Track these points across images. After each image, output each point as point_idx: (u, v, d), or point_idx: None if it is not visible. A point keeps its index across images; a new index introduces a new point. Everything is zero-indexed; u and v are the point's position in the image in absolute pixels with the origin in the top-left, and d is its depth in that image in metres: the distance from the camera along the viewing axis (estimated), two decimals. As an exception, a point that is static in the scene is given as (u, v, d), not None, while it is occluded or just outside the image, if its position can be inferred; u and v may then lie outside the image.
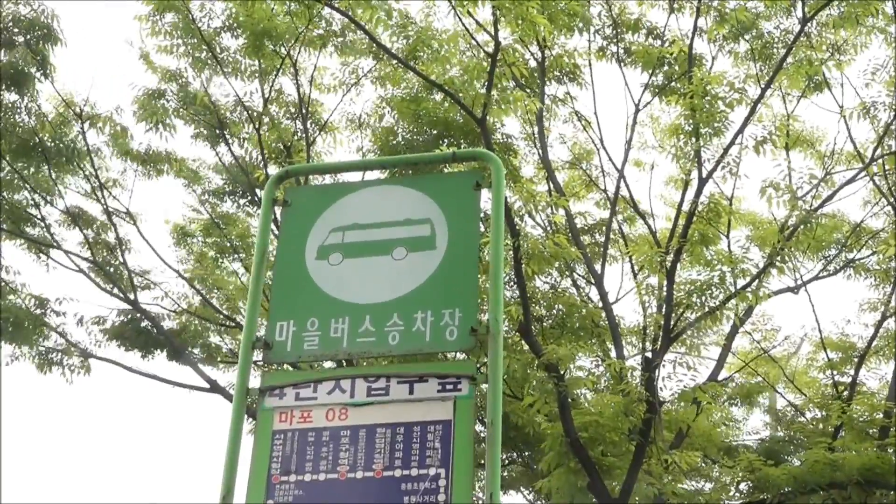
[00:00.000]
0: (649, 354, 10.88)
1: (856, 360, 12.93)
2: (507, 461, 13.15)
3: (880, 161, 11.87)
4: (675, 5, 11.59)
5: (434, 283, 3.71)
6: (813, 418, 13.30)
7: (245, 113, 12.19)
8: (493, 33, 9.83)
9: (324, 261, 3.87)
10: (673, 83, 11.88)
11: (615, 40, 12.00)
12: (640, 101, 12.05)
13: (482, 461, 3.40)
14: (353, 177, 9.79)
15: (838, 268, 13.04)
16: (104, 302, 13.02)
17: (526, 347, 10.79)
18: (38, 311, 12.46)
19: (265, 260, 4.06)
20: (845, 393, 12.46)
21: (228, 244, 13.64)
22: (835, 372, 13.38)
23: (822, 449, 9.91)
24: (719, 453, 13.02)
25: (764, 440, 14.13)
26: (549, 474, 9.74)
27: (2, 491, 16.71)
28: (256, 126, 11.96)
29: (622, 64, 12.05)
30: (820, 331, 13.57)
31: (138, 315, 12.61)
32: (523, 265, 9.86)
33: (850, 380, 12.80)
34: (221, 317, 13.37)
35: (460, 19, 10.17)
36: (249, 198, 13.53)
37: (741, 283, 10.35)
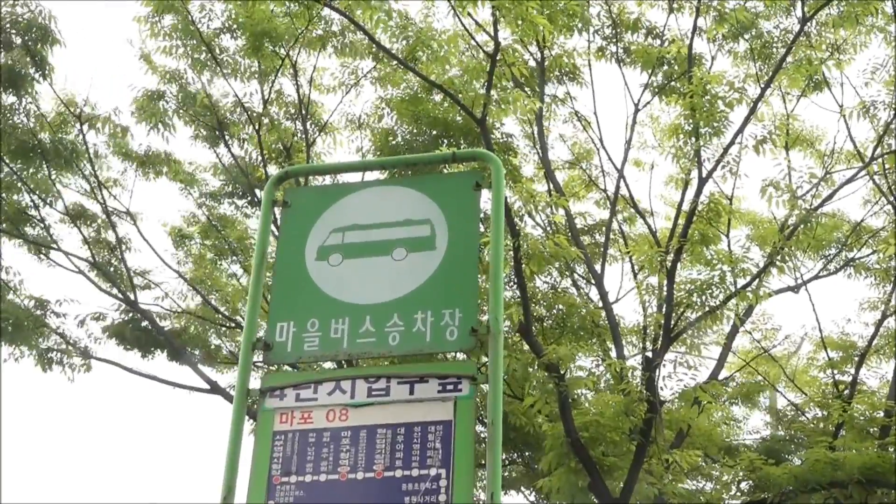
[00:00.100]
0: (650, 354, 10.88)
1: (856, 359, 12.94)
2: (507, 461, 13.14)
3: (880, 160, 11.87)
4: (675, 5, 11.59)
5: (434, 284, 3.71)
6: (813, 417, 13.29)
7: (245, 114, 12.19)
8: (492, 33, 9.83)
9: (324, 261, 3.87)
10: (672, 83, 11.88)
11: (614, 40, 12.00)
12: (639, 100, 12.06)
13: (483, 461, 3.40)
14: (353, 177, 9.80)
15: (838, 267, 13.05)
16: (104, 303, 13.03)
17: (526, 347, 10.79)
18: (38, 312, 12.46)
19: (265, 261, 4.05)
20: (846, 392, 12.46)
21: (227, 246, 13.64)
22: (835, 371, 13.39)
23: (823, 448, 9.90)
24: (720, 453, 13.01)
25: (765, 439, 14.13)
26: (549, 474, 9.74)
27: (1, 491, 16.71)
28: (256, 127, 11.96)
29: (622, 64, 12.05)
30: (820, 330, 13.61)
31: (138, 315, 12.61)
32: (523, 265, 9.86)
33: (850, 379, 12.80)
34: (221, 317, 13.37)
35: (460, 20, 10.16)
36: (249, 199, 13.53)
37: (741, 282, 10.35)
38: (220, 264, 14.13)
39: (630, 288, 12.13)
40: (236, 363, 7.75)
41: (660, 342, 10.74)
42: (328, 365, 7.24)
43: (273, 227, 6.75)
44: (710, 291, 10.23)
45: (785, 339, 15.00)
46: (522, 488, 13.63)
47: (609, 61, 12.13)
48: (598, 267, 11.96)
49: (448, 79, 10.46)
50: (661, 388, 10.17)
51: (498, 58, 9.77)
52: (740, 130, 10.73)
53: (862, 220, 12.90)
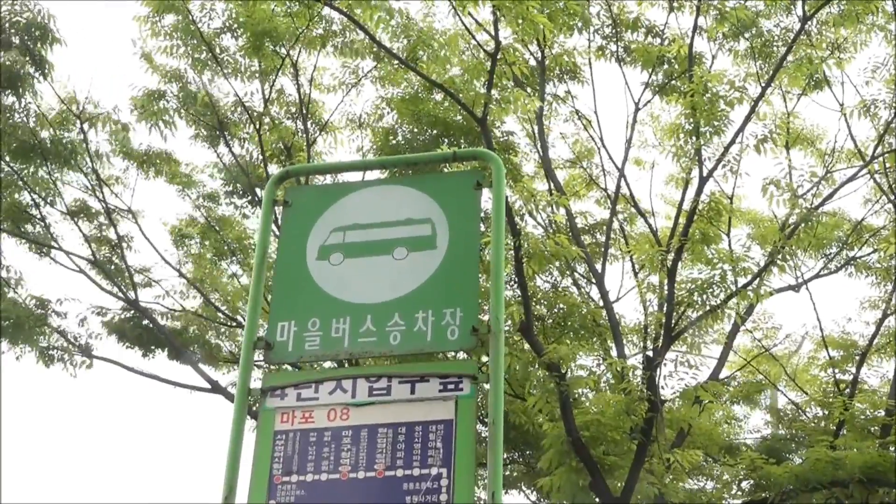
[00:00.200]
0: (650, 353, 10.88)
1: (857, 357, 12.94)
2: (507, 460, 13.14)
3: (881, 159, 11.87)
4: (675, 4, 11.58)
5: (435, 283, 3.71)
6: (814, 416, 13.30)
7: (245, 113, 12.19)
8: (493, 33, 9.83)
9: (325, 261, 3.87)
10: (673, 82, 11.88)
11: (615, 39, 12.00)
12: (640, 99, 12.05)
13: (484, 460, 3.40)
14: (354, 177, 9.80)
15: (839, 266, 13.05)
16: (104, 301, 13.02)
17: (527, 347, 10.78)
18: (39, 311, 12.46)
19: (266, 260, 4.05)
20: (847, 391, 12.47)
21: (226, 247, 13.64)
22: (836, 370, 13.40)
23: (824, 447, 9.91)
24: (721, 452, 13.03)
25: (765, 438, 14.15)
26: (550, 473, 9.74)
27: (1, 490, 16.72)
28: (257, 126, 11.96)
29: (622, 63, 12.04)
30: (821, 329, 13.62)
31: (138, 314, 12.62)
32: (524, 264, 9.86)
33: (851, 378, 12.81)
34: (222, 317, 13.37)
35: (460, 19, 10.16)
36: (249, 198, 13.53)
37: (742, 281, 10.35)
38: (220, 264, 14.13)
39: (631, 287, 12.14)
40: (237, 363, 7.75)
41: (660, 341, 10.74)
42: (329, 364, 7.24)
43: (274, 227, 6.75)
44: (710, 290, 10.23)
45: (786, 338, 15.04)
46: (523, 487, 13.64)
47: (609, 60, 12.12)
48: (598, 266, 11.96)
49: (449, 78, 10.47)
50: (662, 388, 10.18)
51: (498, 57, 9.77)
52: (741, 129, 10.73)
53: (863, 219, 12.90)
